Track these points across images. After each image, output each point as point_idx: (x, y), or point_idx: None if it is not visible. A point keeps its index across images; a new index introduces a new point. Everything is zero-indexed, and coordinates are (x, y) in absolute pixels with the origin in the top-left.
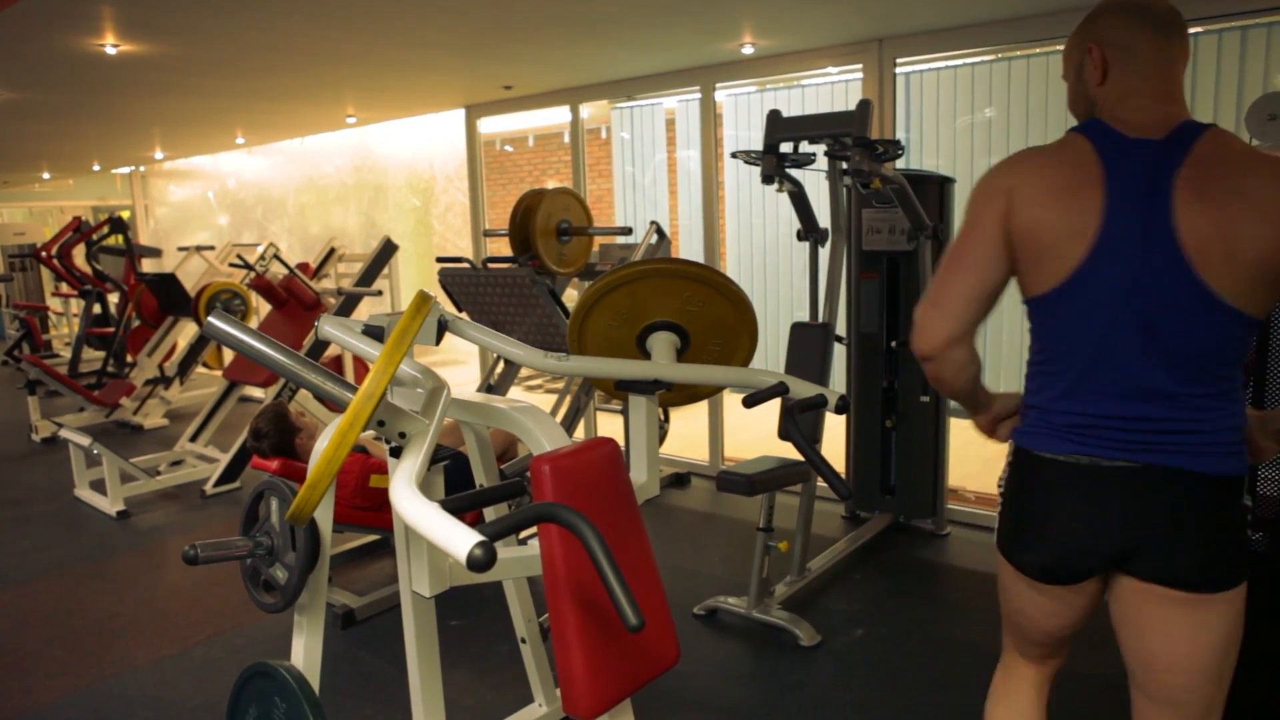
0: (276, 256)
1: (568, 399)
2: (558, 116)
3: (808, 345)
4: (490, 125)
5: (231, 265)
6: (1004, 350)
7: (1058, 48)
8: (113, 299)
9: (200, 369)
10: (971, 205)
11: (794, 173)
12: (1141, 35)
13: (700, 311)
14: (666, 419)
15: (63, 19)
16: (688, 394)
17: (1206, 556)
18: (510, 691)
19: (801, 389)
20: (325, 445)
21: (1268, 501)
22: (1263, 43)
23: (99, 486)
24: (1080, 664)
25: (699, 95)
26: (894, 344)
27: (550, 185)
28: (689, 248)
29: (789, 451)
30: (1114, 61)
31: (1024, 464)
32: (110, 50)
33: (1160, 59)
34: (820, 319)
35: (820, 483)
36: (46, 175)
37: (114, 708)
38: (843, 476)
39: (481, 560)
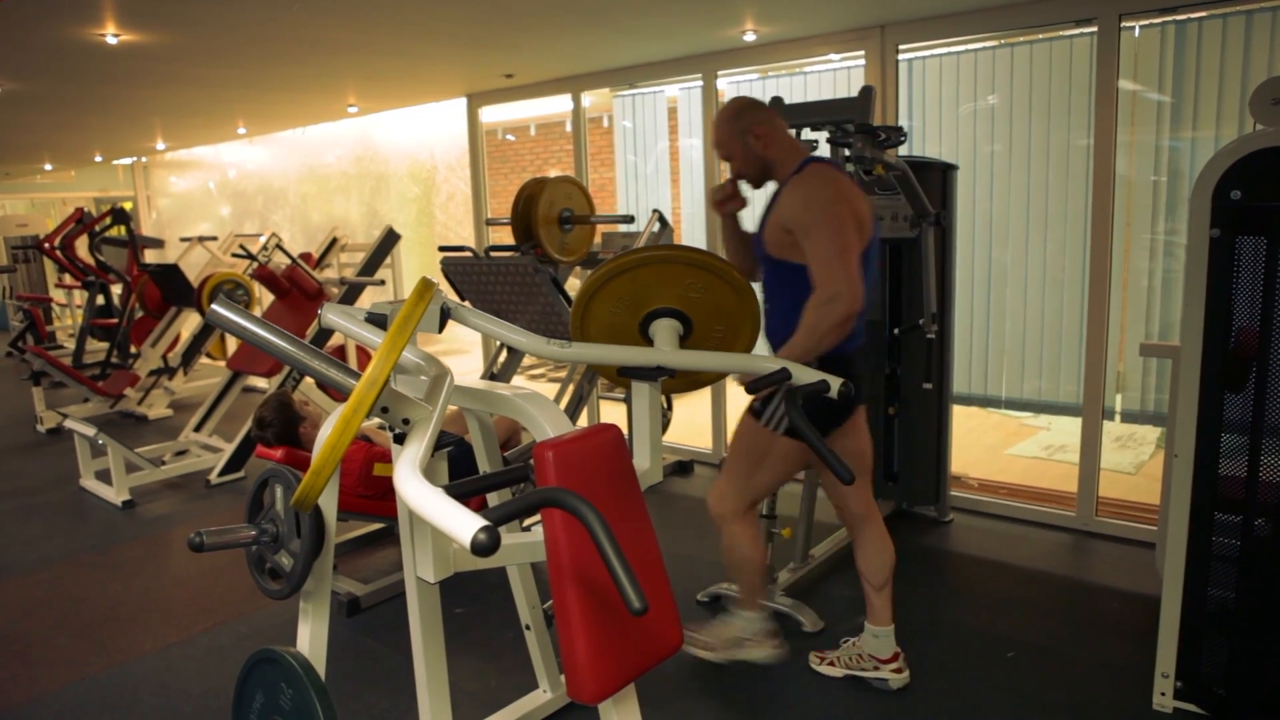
0: (279, 246)
1: (571, 387)
2: (559, 105)
3: None
4: (492, 114)
5: (234, 255)
6: (1006, 339)
7: (1061, 34)
8: (116, 290)
9: (204, 359)
10: (834, 212)
11: None
12: (778, 119)
13: (702, 298)
14: (670, 407)
15: (64, 9)
16: (690, 380)
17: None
18: (515, 677)
19: (804, 375)
20: (329, 432)
21: (1269, 487)
22: (1268, 28)
23: (104, 476)
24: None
25: (701, 83)
26: (896, 331)
27: (552, 174)
28: (691, 236)
29: None
30: (769, 136)
31: (846, 359)
32: (111, 40)
33: (787, 129)
34: None
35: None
36: (48, 166)
37: (120, 695)
38: (845, 463)
39: (485, 544)
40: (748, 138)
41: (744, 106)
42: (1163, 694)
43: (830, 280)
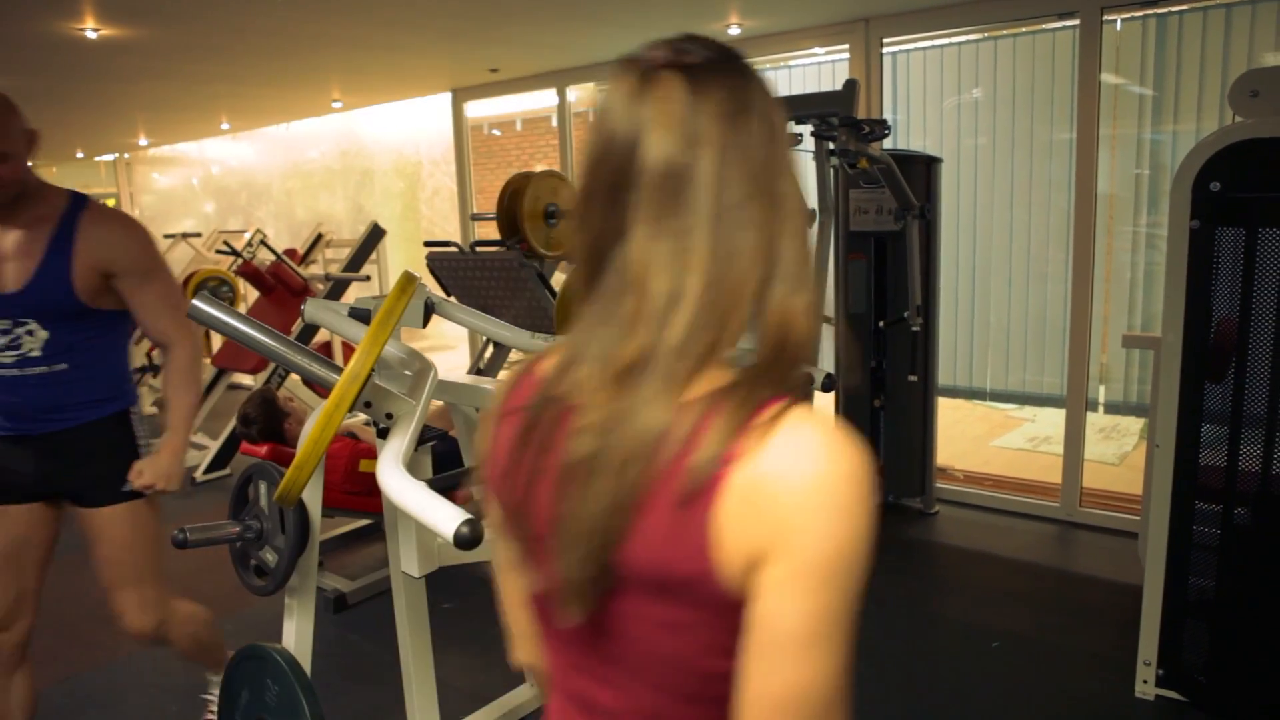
0: (263, 243)
1: None
2: (545, 100)
3: None
4: (477, 109)
5: (218, 252)
6: (991, 331)
7: (1045, 27)
8: None
9: None
10: (161, 254)
11: None
12: None
13: None
14: None
15: (41, 2)
16: None
17: None
18: (503, 672)
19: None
20: (312, 427)
21: (1248, 476)
22: (1247, 21)
23: None
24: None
25: None
26: (881, 324)
27: (538, 169)
28: None
29: None
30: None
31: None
32: (91, 34)
33: None
34: None
35: None
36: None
37: (106, 693)
38: None
39: (468, 537)
40: (31, 143)
41: (16, 106)
42: (1145, 681)
43: (189, 334)
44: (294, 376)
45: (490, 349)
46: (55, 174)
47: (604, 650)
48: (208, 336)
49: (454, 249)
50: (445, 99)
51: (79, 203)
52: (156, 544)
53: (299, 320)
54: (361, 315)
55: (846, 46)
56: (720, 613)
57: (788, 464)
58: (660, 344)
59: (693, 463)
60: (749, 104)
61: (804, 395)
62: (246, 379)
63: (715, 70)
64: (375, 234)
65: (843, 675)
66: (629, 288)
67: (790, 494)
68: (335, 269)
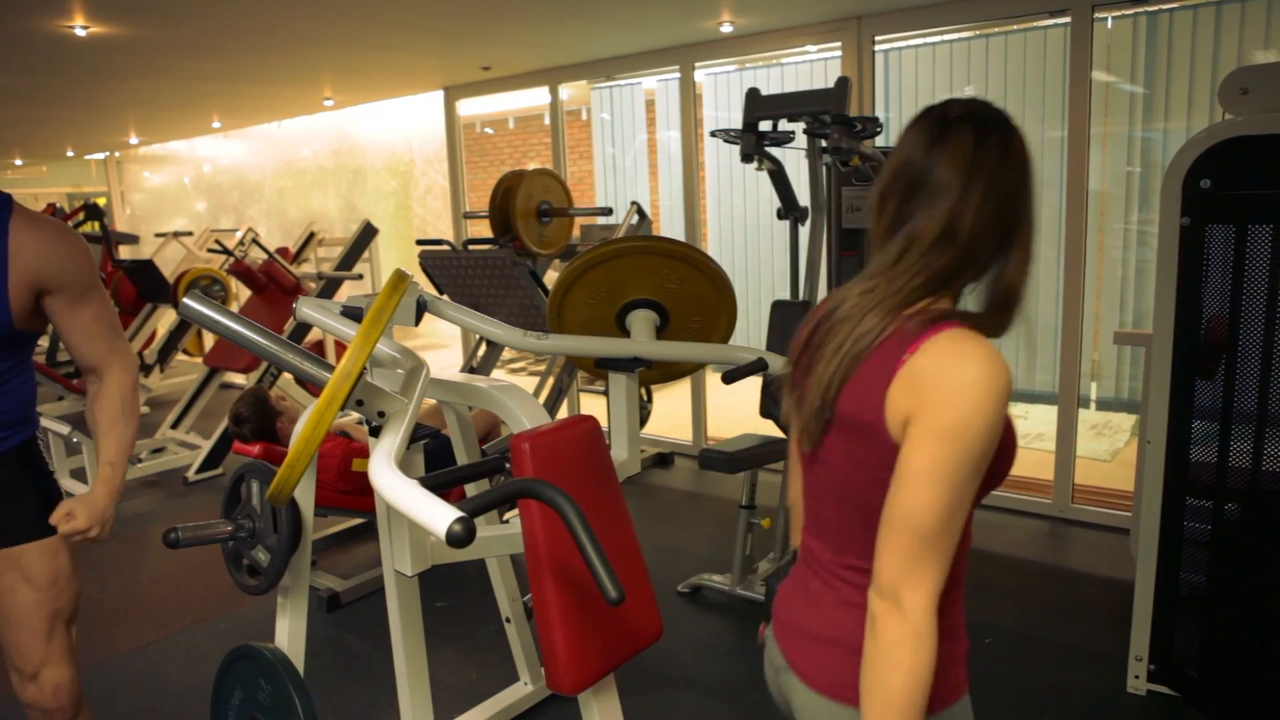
0: (255, 241)
1: (550, 380)
2: (537, 98)
3: (789, 324)
4: (469, 107)
5: (210, 251)
6: None
7: (1036, 24)
8: None
9: (181, 356)
10: (96, 266)
11: (773, 151)
12: None
13: (679, 289)
14: (649, 399)
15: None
16: (667, 371)
17: None
18: (496, 670)
19: (781, 365)
20: (304, 425)
21: (1239, 472)
22: (1236, 19)
23: (80, 475)
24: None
25: (678, 75)
26: None
27: (530, 167)
28: (670, 228)
29: (771, 430)
30: None
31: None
32: (80, 32)
33: None
34: (801, 297)
35: None
36: (19, 161)
37: (99, 694)
38: None
39: (460, 535)
40: None
41: None
42: (1136, 677)
43: (129, 357)
44: (286, 375)
45: (483, 347)
46: (45, 172)
47: (818, 474)
48: (200, 335)
49: (446, 247)
50: (437, 97)
51: (3, 206)
52: (63, 609)
53: (291, 319)
54: (354, 314)
55: (838, 44)
56: (884, 453)
57: (939, 358)
58: (898, 282)
59: (888, 347)
60: (1011, 147)
61: (981, 328)
62: (239, 378)
63: (993, 123)
64: (368, 232)
65: (950, 514)
66: (898, 254)
67: (934, 378)
68: (328, 268)
